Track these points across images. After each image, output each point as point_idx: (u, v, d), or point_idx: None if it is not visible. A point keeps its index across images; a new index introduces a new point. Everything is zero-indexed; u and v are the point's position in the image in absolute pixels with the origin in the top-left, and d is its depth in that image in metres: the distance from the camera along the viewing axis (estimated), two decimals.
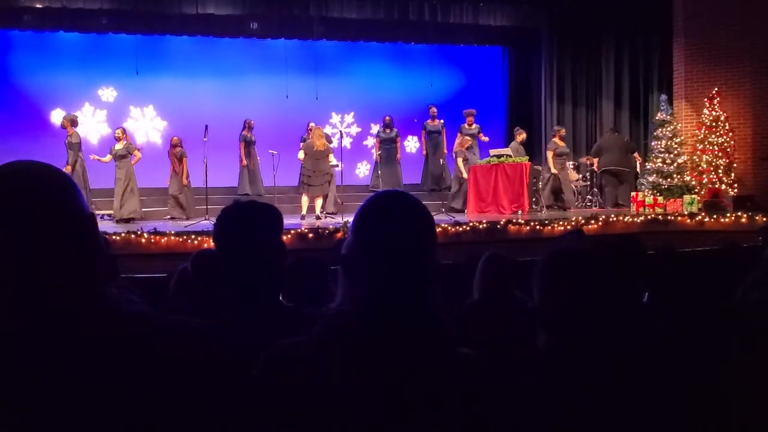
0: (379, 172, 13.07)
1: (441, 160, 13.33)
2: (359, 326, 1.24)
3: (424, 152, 13.75)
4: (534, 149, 14.86)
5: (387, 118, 13.46)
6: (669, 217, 11.29)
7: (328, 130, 15.01)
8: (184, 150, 11.82)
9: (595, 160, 13.48)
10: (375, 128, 14.51)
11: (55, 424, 1.02)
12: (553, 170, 12.75)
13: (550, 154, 12.86)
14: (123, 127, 11.75)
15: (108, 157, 11.32)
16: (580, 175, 14.00)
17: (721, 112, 12.59)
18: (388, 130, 13.44)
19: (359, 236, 1.30)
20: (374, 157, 13.64)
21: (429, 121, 13.66)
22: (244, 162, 12.66)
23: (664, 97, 13.20)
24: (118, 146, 11.23)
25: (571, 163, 13.76)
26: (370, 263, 1.26)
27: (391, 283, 1.25)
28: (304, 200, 11.06)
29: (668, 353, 1.95)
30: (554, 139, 13.04)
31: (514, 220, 10.22)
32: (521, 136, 13.18)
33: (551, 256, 1.86)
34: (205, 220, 10.16)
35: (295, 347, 1.26)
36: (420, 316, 1.26)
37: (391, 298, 1.24)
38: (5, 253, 1.03)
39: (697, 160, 12.68)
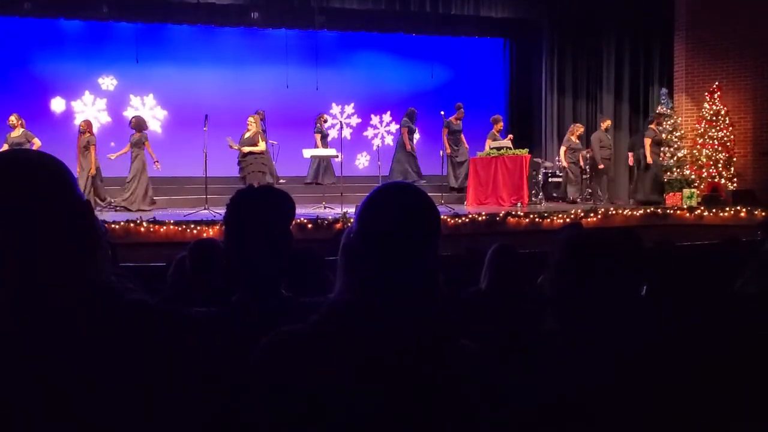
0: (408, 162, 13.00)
1: (461, 160, 13.23)
2: (359, 315, 1.24)
3: (448, 150, 13.20)
4: (534, 141, 14.85)
5: (414, 110, 13.14)
6: (668, 211, 11.30)
7: (327, 120, 15.00)
8: (92, 136, 10.87)
9: (631, 155, 13.27)
10: (375, 119, 14.42)
11: (56, 422, 1.01)
12: (649, 160, 12.41)
13: (648, 142, 12.43)
14: (17, 114, 10.80)
15: (5, 147, 10.12)
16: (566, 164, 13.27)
17: (721, 107, 12.57)
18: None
19: (363, 226, 1.30)
20: (408, 148, 13.07)
21: (453, 118, 13.20)
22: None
23: (664, 90, 13.17)
24: (14, 134, 10.45)
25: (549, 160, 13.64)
26: (373, 252, 1.26)
27: (393, 274, 1.25)
28: None
29: (666, 347, 1.95)
30: (652, 127, 12.55)
31: (513, 213, 10.22)
32: (606, 123, 13.07)
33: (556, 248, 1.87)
34: (205, 209, 10.15)
35: (293, 335, 1.26)
36: (420, 307, 1.26)
37: (393, 289, 1.24)
38: (5, 252, 1.02)
39: (696, 154, 12.66)
